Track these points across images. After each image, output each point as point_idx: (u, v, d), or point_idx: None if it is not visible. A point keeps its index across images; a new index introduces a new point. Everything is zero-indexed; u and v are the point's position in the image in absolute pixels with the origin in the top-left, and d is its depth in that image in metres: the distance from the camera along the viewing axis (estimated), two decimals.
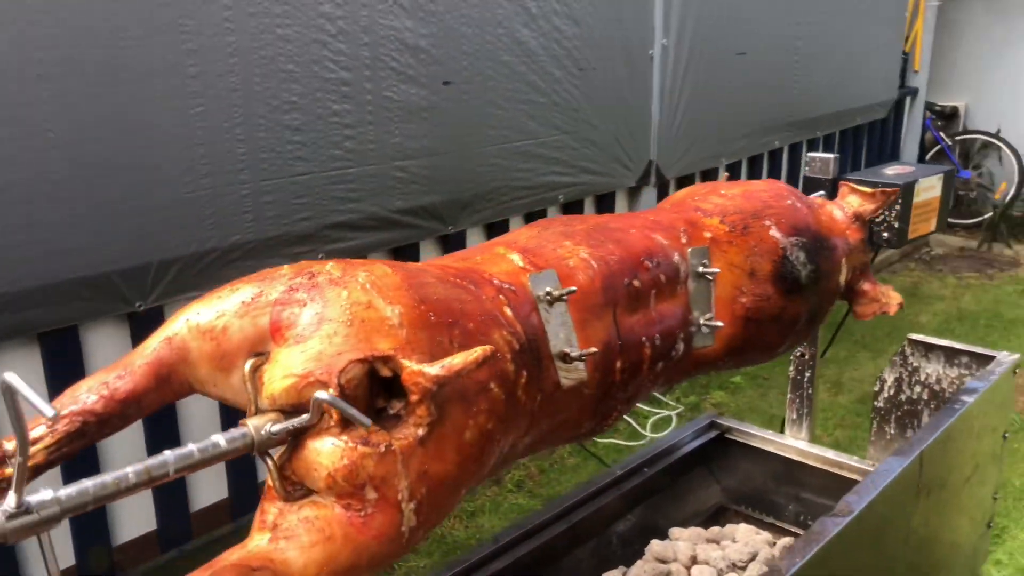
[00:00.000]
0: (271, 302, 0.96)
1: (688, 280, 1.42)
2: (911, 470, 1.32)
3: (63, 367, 2.27)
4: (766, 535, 1.95)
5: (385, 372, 0.90)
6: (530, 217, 3.53)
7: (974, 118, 7.28)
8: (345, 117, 2.72)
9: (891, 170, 1.93)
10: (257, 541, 0.85)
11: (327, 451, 0.85)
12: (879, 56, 5.74)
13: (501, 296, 1.14)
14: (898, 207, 1.83)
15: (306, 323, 0.94)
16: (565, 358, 1.14)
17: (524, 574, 1.70)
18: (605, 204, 3.86)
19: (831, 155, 1.90)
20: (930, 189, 1.90)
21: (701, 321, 1.39)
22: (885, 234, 1.85)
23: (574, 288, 1.19)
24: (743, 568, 1.84)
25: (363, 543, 0.84)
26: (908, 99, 6.35)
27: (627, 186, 3.89)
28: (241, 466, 2.75)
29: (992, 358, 1.69)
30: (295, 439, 0.88)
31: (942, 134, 6.98)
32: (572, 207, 3.68)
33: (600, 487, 1.92)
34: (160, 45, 2.26)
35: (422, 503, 0.87)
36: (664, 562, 1.86)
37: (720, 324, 1.37)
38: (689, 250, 1.46)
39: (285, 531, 0.84)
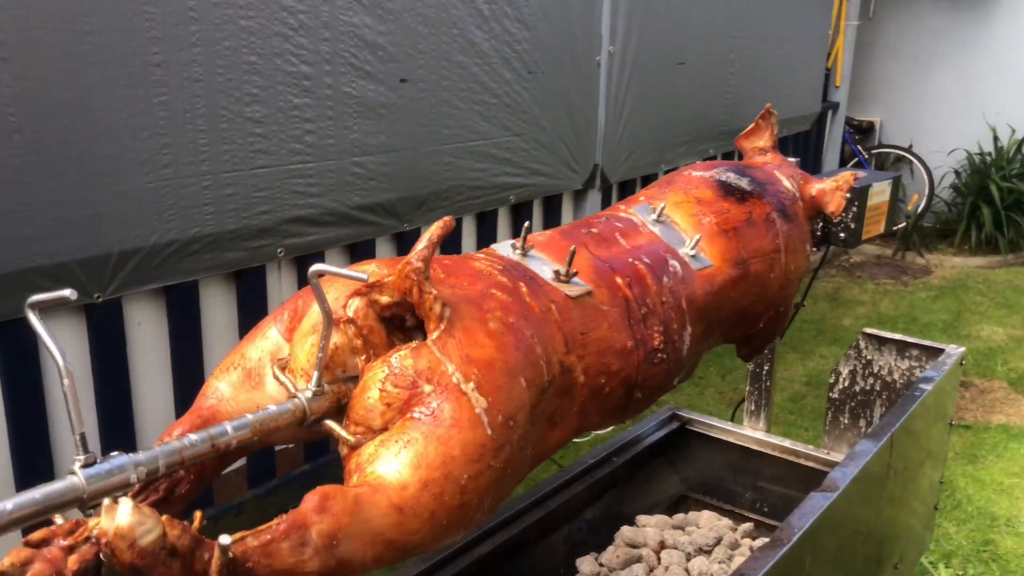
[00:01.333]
0: (271, 318, 1.04)
1: (648, 226, 1.48)
2: (884, 451, 1.42)
3: (19, 358, 2.20)
4: (727, 521, 2.04)
5: (385, 299, 0.95)
6: (482, 217, 3.58)
7: (888, 133, 7.69)
8: (305, 111, 2.71)
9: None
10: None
11: (368, 379, 0.91)
12: (805, 71, 6.00)
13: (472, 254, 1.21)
14: (854, 209, 1.94)
15: (303, 306, 1.05)
16: (558, 275, 1.19)
17: (505, 559, 1.74)
18: (552, 206, 3.94)
19: (792, 159, 2.00)
20: (881, 193, 2.02)
21: (686, 250, 1.44)
22: (842, 235, 1.97)
23: (528, 223, 1.26)
24: (709, 552, 1.93)
25: (444, 434, 0.86)
26: (830, 113, 6.66)
27: (574, 188, 3.98)
28: None
29: (941, 351, 1.82)
30: (342, 406, 0.92)
31: (859, 147, 7.33)
32: (522, 208, 3.74)
33: (572, 476, 1.98)
34: (124, 31, 2.22)
35: (480, 383, 0.90)
36: (635, 547, 1.93)
37: (698, 235, 1.43)
38: (631, 208, 1.54)
39: (369, 461, 0.87)
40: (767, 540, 1.19)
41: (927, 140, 7.39)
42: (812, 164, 6.63)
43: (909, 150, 7.41)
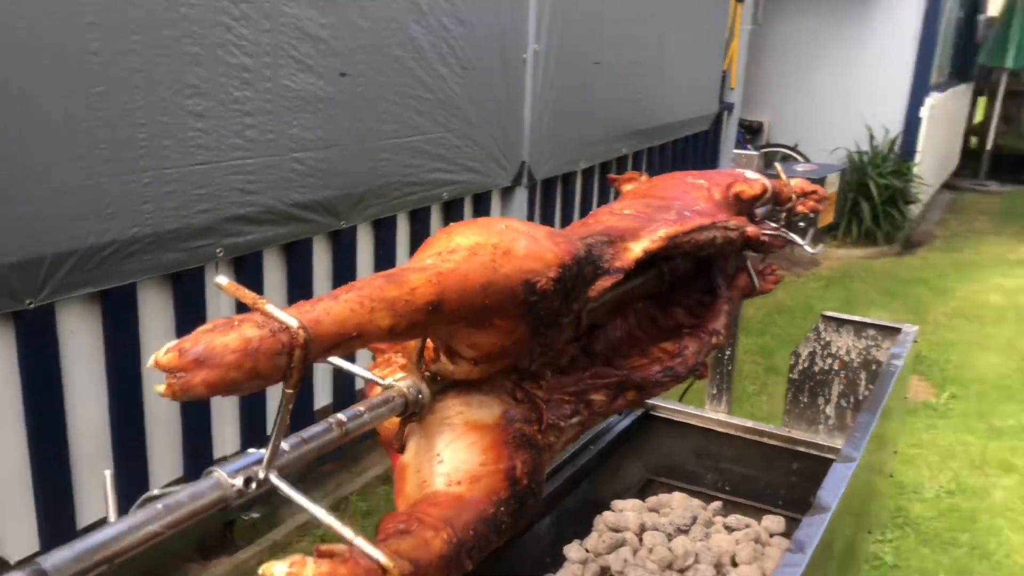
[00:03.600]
0: None
1: None
2: (881, 422, 1.50)
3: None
4: (698, 501, 2.11)
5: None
6: (416, 215, 3.54)
7: (776, 133, 8.09)
8: (246, 104, 2.62)
9: (800, 168, 2.16)
10: None
11: None
12: (705, 73, 6.24)
13: None
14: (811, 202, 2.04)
15: None
16: None
17: (494, 549, 1.74)
18: (482, 204, 3.94)
19: (755, 152, 2.09)
20: (833, 184, 2.14)
21: None
22: (801, 224, 2.06)
23: None
24: (687, 531, 1.99)
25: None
26: (725, 113, 6.94)
27: (502, 186, 4.00)
28: None
29: (898, 330, 1.94)
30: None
31: (750, 146, 7.69)
32: (454, 206, 3.73)
33: (554, 467, 1.99)
34: (59, 16, 2.08)
35: None
36: (617, 531, 1.97)
37: None
38: None
39: None
40: (810, 509, 1.24)
41: (811, 139, 7.82)
42: (709, 162, 6.90)
43: (795, 149, 7.82)
